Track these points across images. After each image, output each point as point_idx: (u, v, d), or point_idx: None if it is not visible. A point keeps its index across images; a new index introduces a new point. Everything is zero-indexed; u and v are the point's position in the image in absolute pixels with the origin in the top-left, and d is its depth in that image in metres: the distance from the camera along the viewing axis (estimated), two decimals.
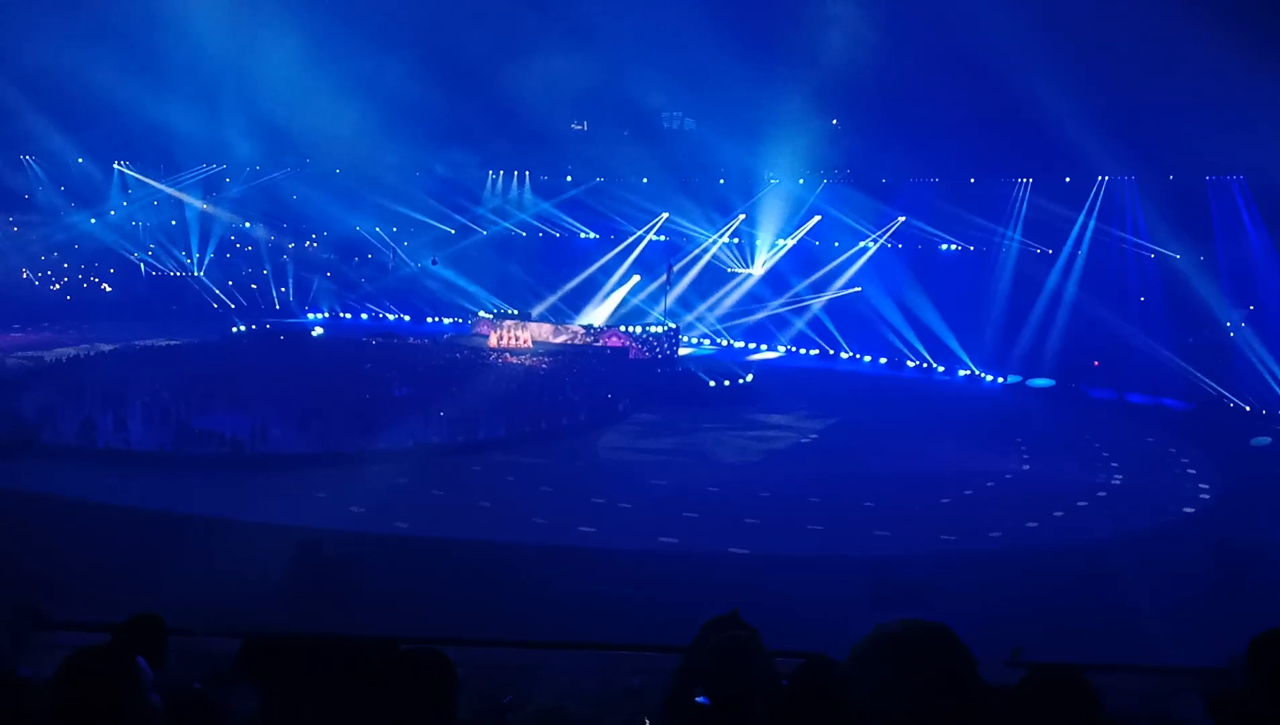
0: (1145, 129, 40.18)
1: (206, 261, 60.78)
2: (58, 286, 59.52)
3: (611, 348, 47.52)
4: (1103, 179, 46.64)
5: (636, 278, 56.64)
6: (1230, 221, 43.37)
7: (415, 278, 60.27)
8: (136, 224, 60.35)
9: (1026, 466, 29.92)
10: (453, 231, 61.31)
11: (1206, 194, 43.80)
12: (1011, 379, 44.55)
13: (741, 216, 56.52)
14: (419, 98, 49.02)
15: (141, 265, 60.33)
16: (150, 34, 46.47)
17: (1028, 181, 49.24)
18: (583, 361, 45.44)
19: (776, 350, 53.64)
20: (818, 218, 55.18)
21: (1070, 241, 48.01)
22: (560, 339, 49.48)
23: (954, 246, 52.48)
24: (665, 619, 7.68)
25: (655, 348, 47.77)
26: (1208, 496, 26.91)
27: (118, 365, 38.71)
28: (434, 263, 59.09)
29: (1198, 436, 33.33)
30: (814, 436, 33.72)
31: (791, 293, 54.33)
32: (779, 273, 55.56)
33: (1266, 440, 32.71)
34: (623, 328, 49.68)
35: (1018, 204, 49.77)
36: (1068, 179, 47.15)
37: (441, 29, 46.50)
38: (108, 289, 60.36)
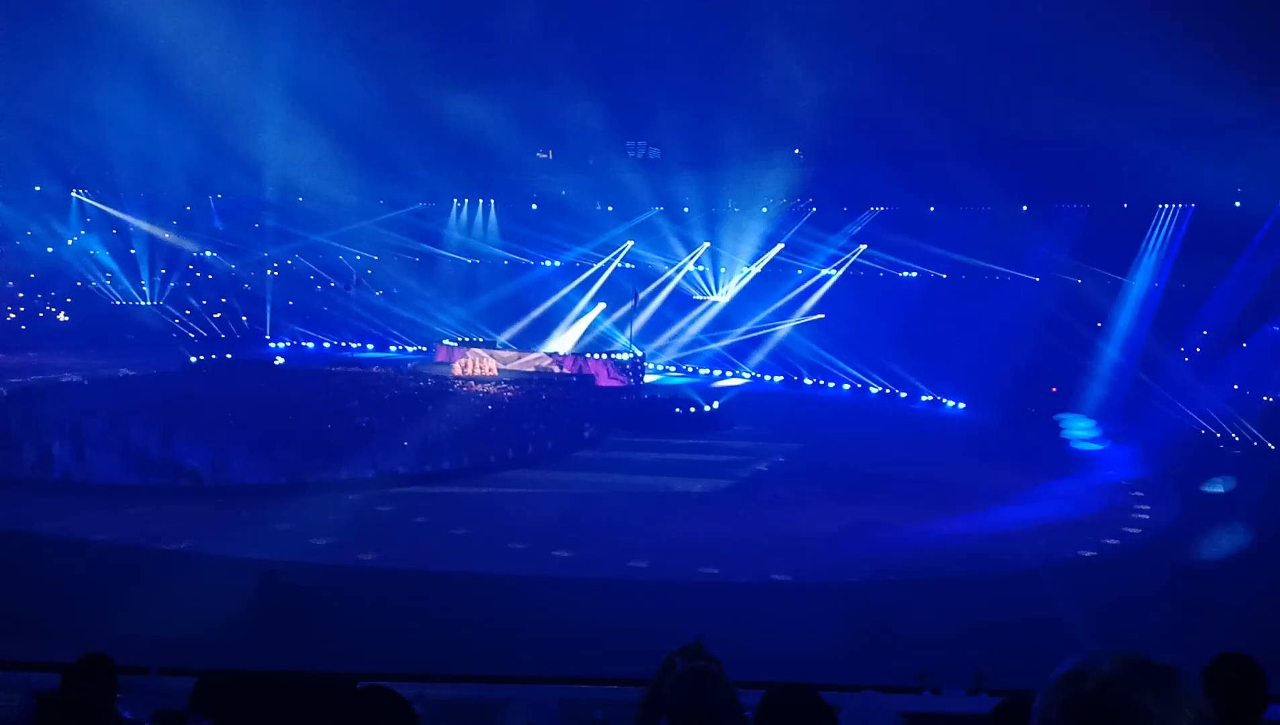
0: (1101, 156, 40.84)
1: (167, 291, 60.15)
2: (13, 316, 58.54)
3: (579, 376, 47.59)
4: (1061, 206, 47.41)
5: (602, 305, 56.74)
6: (1165, 250, 44.55)
7: (377, 306, 59.98)
8: (94, 253, 59.58)
9: (979, 483, 30.08)
10: (416, 260, 61.21)
11: (1154, 222, 44.84)
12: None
13: (706, 245, 56.90)
14: (382, 125, 49.01)
15: (100, 294, 59.48)
16: (109, 61, 46.15)
17: (986, 210, 49.73)
18: (548, 389, 45.36)
19: (741, 377, 53.78)
20: (780, 246, 55.64)
21: (1028, 267, 48.65)
22: (526, 367, 49.38)
23: (913, 273, 53.02)
24: (630, 650, 7.63)
25: (624, 374, 47.86)
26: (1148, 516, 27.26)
27: (74, 395, 38.08)
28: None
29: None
30: (780, 460, 33.83)
31: (756, 320, 54.58)
32: (743, 300, 55.86)
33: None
34: (590, 355, 49.82)
35: (979, 232, 50.20)
36: (1025, 207, 47.79)
37: (406, 57, 46.50)
38: (64, 318, 59.45)
